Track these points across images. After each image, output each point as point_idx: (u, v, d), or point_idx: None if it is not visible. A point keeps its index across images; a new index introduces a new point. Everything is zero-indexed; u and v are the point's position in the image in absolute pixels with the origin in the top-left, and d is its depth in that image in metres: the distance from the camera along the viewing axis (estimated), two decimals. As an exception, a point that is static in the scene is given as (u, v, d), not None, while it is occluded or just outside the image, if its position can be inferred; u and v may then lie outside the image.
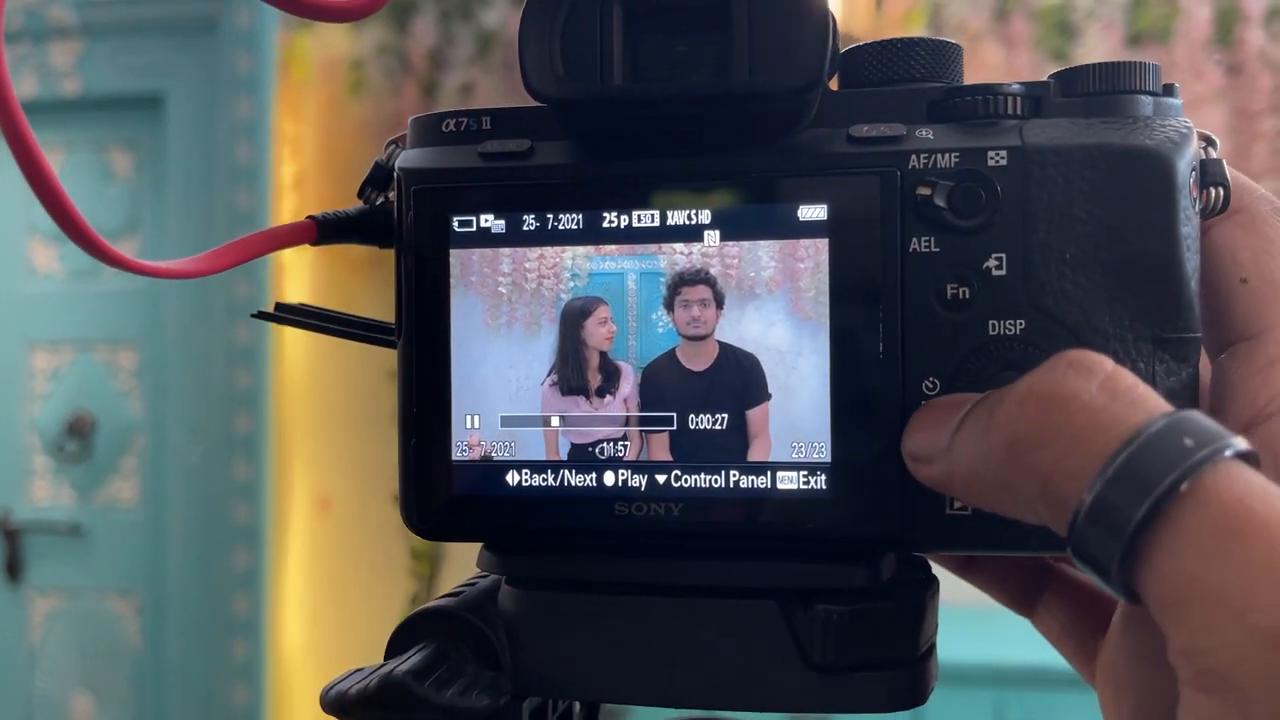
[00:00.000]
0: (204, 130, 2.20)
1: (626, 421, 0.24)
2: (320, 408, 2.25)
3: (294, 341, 2.22)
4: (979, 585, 0.30)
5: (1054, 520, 0.20)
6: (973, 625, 1.84)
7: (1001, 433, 0.20)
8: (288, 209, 2.21)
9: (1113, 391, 0.20)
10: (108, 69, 2.20)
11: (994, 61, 1.95)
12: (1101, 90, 0.24)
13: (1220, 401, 0.23)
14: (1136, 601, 0.19)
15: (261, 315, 0.28)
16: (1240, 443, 0.19)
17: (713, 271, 0.24)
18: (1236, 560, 0.17)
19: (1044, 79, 0.24)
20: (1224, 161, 0.24)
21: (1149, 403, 0.20)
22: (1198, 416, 0.19)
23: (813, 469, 0.23)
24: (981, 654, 1.70)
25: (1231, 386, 0.23)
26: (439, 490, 0.25)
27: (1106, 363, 0.20)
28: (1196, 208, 0.23)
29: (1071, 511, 0.19)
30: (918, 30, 1.96)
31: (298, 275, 2.22)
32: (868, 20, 1.91)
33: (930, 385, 0.23)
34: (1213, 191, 0.24)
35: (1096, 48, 1.95)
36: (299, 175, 2.22)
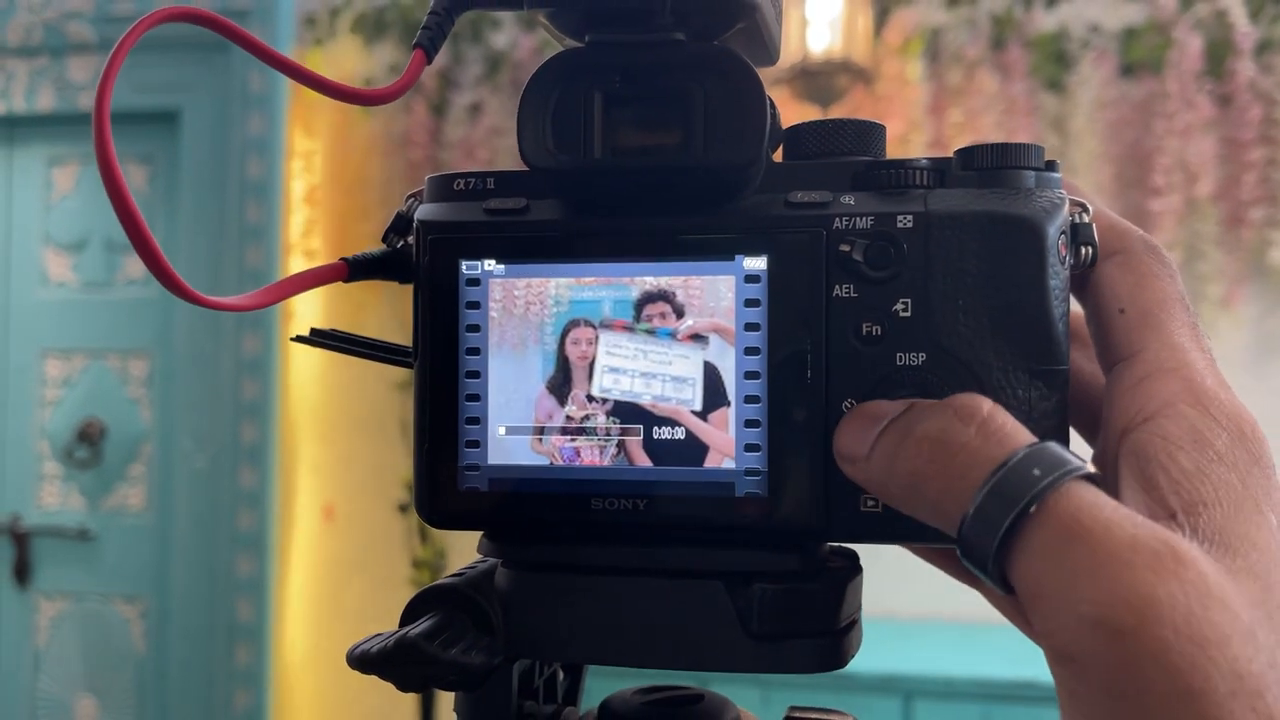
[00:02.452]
0: (217, 145, 2.25)
1: (608, 432, 0.29)
2: (325, 418, 2.30)
3: (301, 353, 2.26)
4: (927, 558, 0.34)
5: (947, 530, 0.25)
6: (961, 639, 1.88)
7: (903, 465, 0.26)
8: (298, 223, 2.27)
9: (985, 433, 0.25)
10: (124, 85, 2.25)
11: (990, 90, 2.00)
12: (994, 166, 0.28)
13: (1107, 415, 0.28)
14: (1011, 593, 0.24)
15: (299, 339, 0.33)
16: (1083, 467, 0.24)
17: (675, 293, 0.29)
18: (1068, 564, 0.22)
19: (949, 155, 0.29)
20: (1093, 225, 0.29)
21: (1014, 439, 0.25)
22: (1050, 449, 0.24)
23: (753, 473, 0.28)
24: (970, 668, 1.74)
25: (1112, 402, 0.27)
26: (447, 486, 0.30)
27: (984, 406, 0.26)
28: (1066, 264, 0.28)
29: (956, 527, 0.24)
30: (915, 58, 2.01)
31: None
32: (866, 49, 1.96)
33: (849, 405, 0.28)
34: (1083, 250, 0.28)
35: (1090, 77, 1.99)
36: (310, 190, 2.27)
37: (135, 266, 2.33)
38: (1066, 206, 0.28)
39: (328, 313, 2.27)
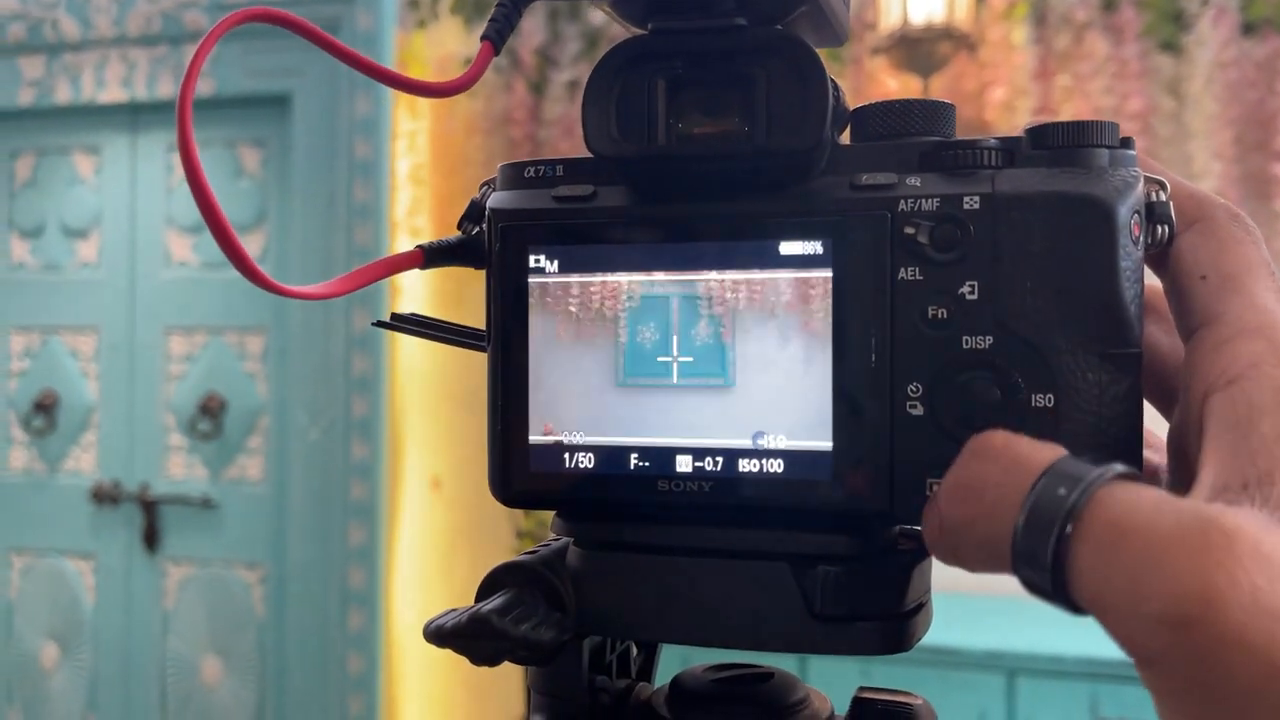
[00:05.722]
0: (326, 127, 2.31)
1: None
2: (433, 392, 2.36)
3: (408, 329, 2.32)
4: None
5: (1004, 571, 0.25)
6: (1070, 619, 1.83)
7: (945, 522, 0.26)
8: (404, 201, 2.32)
9: (1007, 466, 0.25)
10: (239, 71, 2.34)
11: (1101, 53, 1.93)
12: (1065, 144, 0.28)
13: (1187, 379, 0.27)
14: (1082, 613, 0.24)
15: (380, 324, 0.34)
16: (1109, 470, 0.23)
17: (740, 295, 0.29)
18: (1120, 569, 0.22)
19: (1018, 134, 0.29)
20: (1170, 203, 0.28)
21: (1034, 462, 0.24)
22: (1068, 462, 0.24)
23: (817, 456, 0.29)
24: (1077, 646, 1.70)
25: (1192, 366, 0.27)
26: (519, 467, 0.31)
27: (997, 440, 0.25)
28: (1140, 244, 0.27)
29: (1010, 562, 0.24)
30: (1021, 22, 1.95)
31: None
32: (969, 15, 1.91)
33: (914, 389, 0.28)
34: (1159, 229, 0.28)
35: (1209, 37, 1.91)
36: (415, 169, 2.32)
37: (252, 246, 2.42)
38: (1141, 185, 0.27)
39: (433, 289, 2.32)
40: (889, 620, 0.29)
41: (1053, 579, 0.23)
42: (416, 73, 2.31)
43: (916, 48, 1.90)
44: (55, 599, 2.53)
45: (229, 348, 2.44)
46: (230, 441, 2.44)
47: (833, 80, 0.29)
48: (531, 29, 2.22)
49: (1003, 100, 1.95)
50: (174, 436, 2.47)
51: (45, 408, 2.53)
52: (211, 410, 2.43)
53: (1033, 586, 0.24)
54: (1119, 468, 0.24)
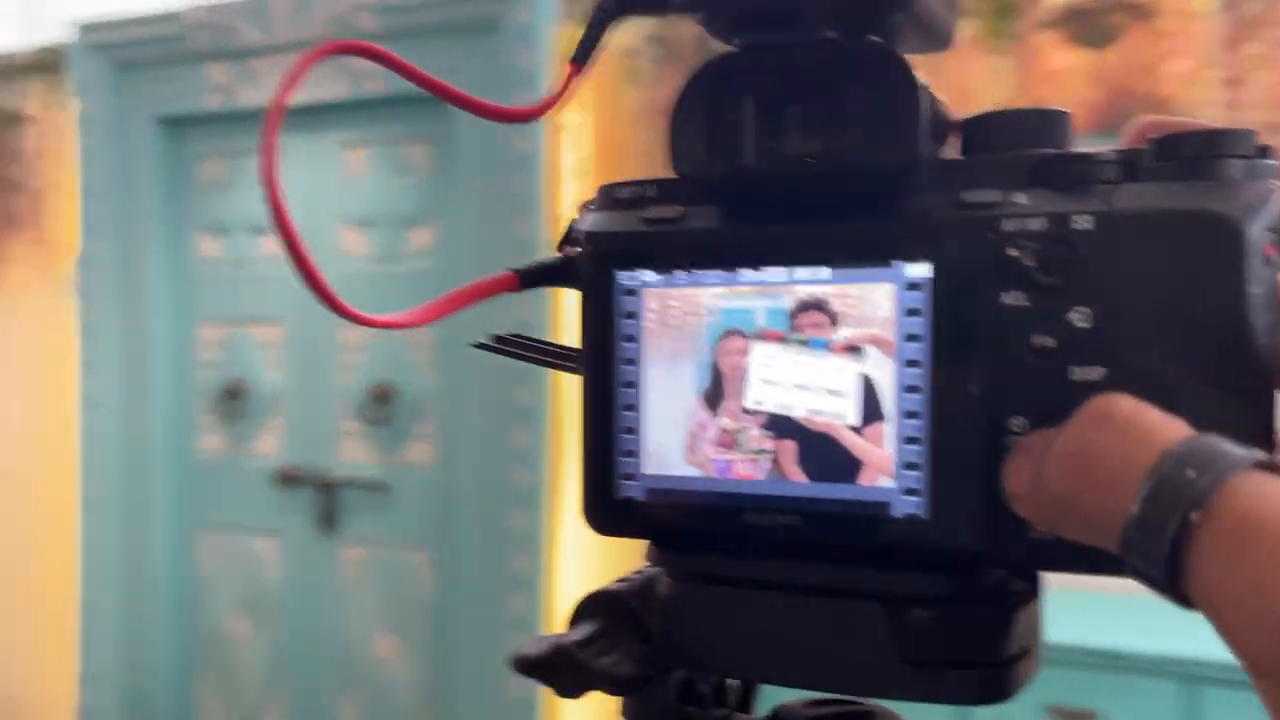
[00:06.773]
0: (489, 123, 2.35)
1: (761, 445, 0.29)
2: (592, 382, 2.37)
3: (568, 319, 2.34)
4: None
5: (1112, 547, 0.23)
6: (1163, 617, 1.70)
7: (1049, 488, 0.24)
8: (567, 195, 2.34)
9: (1129, 437, 0.22)
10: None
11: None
12: (1194, 155, 0.25)
13: None
14: (1191, 608, 0.21)
15: (479, 346, 0.34)
16: (1248, 457, 0.21)
17: (830, 302, 0.28)
18: (1247, 566, 0.20)
19: (1144, 146, 0.26)
20: None
21: (1161, 436, 0.22)
22: (1204, 442, 0.21)
23: (911, 492, 0.27)
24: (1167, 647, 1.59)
25: None
26: (607, 495, 0.30)
27: (1124, 406, 0.23)
28: (1275, 266, 0.24)
29: (1120, 544, 0.22)
30: None
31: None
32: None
33: (1019, 424, 0.26)
34: None
35: None
36: (580, 163, 2.34)
37: (420, 239, 2.50)
38: (1278, 198, 0.25)
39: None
40: (988, 668, 0.27)
41: (1167, 569, 0.21)
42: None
43: (1088, 20, 1.80)
44: (243, 574, 2.69)
45: (399, 338, 2.53)
46: (401, 428, 2.53)
47: (931, 92, 0.27)
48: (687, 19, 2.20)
49: (1184, 73, 1.82)
50: (347, 423, 2.58)
51: (234, 395, 2.69)
52: (384, 398, 2.53)
53: (1140, 574, 0.22)
54: (1259, 455, 0.21)
